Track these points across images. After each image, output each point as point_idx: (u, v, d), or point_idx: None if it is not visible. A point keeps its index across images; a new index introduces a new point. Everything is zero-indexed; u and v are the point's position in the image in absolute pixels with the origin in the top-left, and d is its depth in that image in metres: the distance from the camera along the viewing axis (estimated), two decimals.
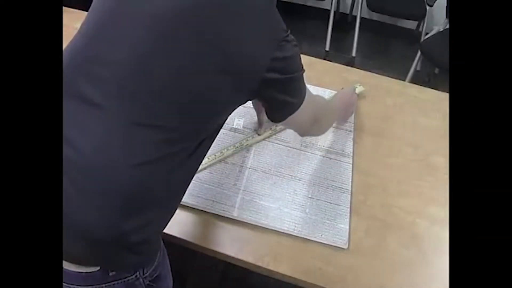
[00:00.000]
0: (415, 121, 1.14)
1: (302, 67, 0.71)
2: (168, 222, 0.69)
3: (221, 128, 0.72)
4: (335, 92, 1.18)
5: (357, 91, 1.17)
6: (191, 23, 0.60)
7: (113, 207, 0.59)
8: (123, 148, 0.59)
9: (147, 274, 0.68)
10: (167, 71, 0.60)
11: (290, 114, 0.74)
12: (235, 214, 0.88)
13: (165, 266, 0.76)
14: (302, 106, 0.74)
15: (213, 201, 0.90)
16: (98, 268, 0.62)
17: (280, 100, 0.71)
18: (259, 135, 1.04)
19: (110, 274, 0.63)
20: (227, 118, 0.72)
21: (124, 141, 0.59)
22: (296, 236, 0.86)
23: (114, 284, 0.64)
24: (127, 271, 0.65)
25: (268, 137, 1.05)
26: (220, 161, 0.98)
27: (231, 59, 0.62)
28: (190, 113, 0.62)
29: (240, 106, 0.70)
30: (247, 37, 0.63)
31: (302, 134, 0.92)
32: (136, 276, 0.66)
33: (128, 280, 0.66)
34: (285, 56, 0.66)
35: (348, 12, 2.89)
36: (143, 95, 0.59)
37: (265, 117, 1.04)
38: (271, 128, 1.05)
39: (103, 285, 0.64)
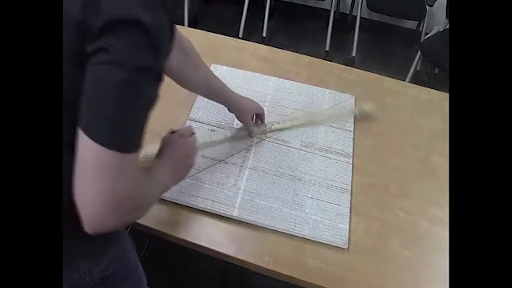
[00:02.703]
0: (415, 121, 1.14)
1: (147, 69, 0.50)
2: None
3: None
4: (336, 92, 1.18)
5: (367, 109, 1.12)
6: None
7: None
8: None
9: (96, 272, 0.66)
10: None
11: (85, 131, 0.49)
12: (235, 214, 0.88)
13: (126, 265, 0.73)
14: (111, 153, 0.48)
15: (213, 201, 0.90)
16: None
17: (91, 88, 0.49)
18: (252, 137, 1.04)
19: None
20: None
21: None
22: (296, 236, 0.86)
23: None
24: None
25: (263, 133, 1.04)
26: (220, 161, 0.98)
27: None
28: None
29: None
30: None
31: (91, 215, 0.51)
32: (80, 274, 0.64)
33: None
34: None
35: (348, 12, 2.89)
36: None
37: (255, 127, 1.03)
38: (266, 125, 1.05)
39: None
